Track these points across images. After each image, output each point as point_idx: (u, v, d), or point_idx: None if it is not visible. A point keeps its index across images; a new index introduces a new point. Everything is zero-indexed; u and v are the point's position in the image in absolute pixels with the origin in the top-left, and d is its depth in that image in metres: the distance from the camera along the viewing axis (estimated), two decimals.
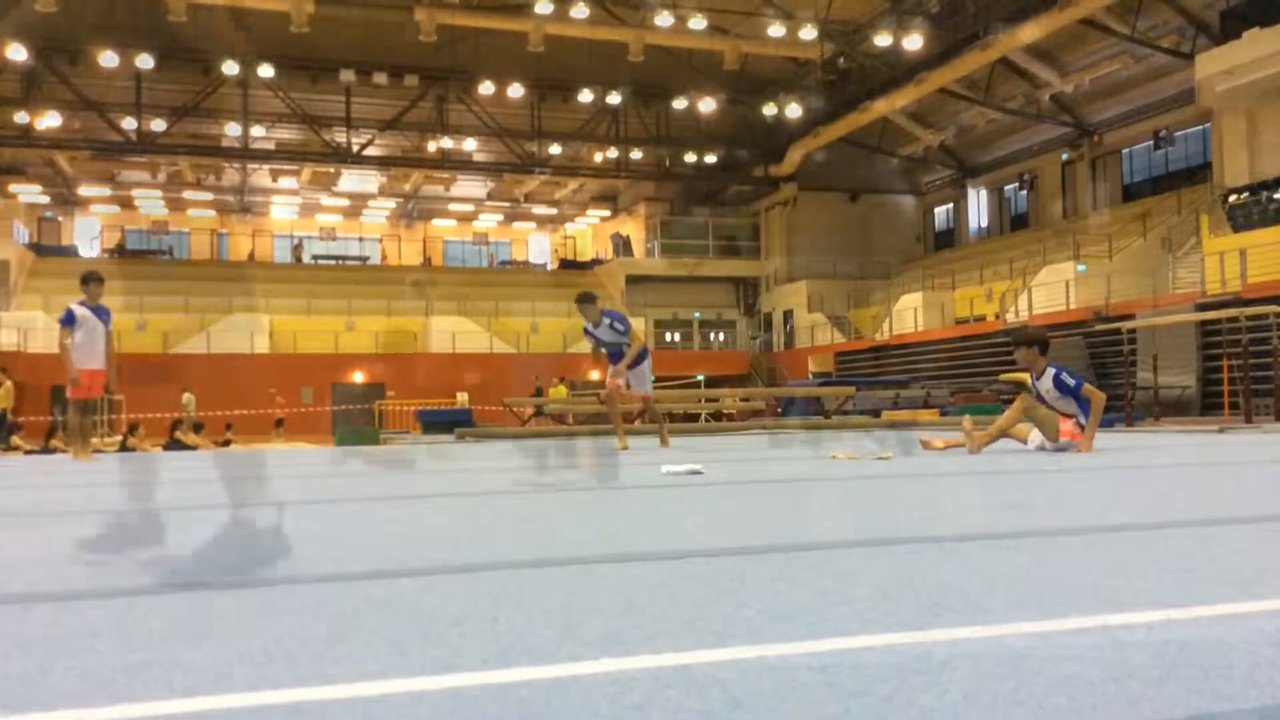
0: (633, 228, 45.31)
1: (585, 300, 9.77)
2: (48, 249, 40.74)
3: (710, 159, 40.95)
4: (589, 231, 50.09)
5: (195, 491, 5.45)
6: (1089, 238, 29.68)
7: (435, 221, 48.07)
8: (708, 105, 36.83)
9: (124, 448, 13.02)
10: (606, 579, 2.15)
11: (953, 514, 3.50)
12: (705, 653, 1.44)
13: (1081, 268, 27.67)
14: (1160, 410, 17.32)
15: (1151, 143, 31.85)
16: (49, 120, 36.10)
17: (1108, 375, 22.17)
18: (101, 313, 9.93)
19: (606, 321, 9.62)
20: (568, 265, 47.56)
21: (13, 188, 39.63)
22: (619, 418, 10.22)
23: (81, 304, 9.77)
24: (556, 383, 29.11)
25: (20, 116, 36.09)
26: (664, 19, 30.93)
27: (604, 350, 9.57)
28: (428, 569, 2.36)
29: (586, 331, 9.71)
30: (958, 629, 1.56)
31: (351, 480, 6.43)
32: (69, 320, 9.67)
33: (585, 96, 37.01)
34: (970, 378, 26.54)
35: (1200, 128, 30.22)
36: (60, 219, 43.69)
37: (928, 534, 2.82)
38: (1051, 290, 28.03)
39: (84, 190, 42.54)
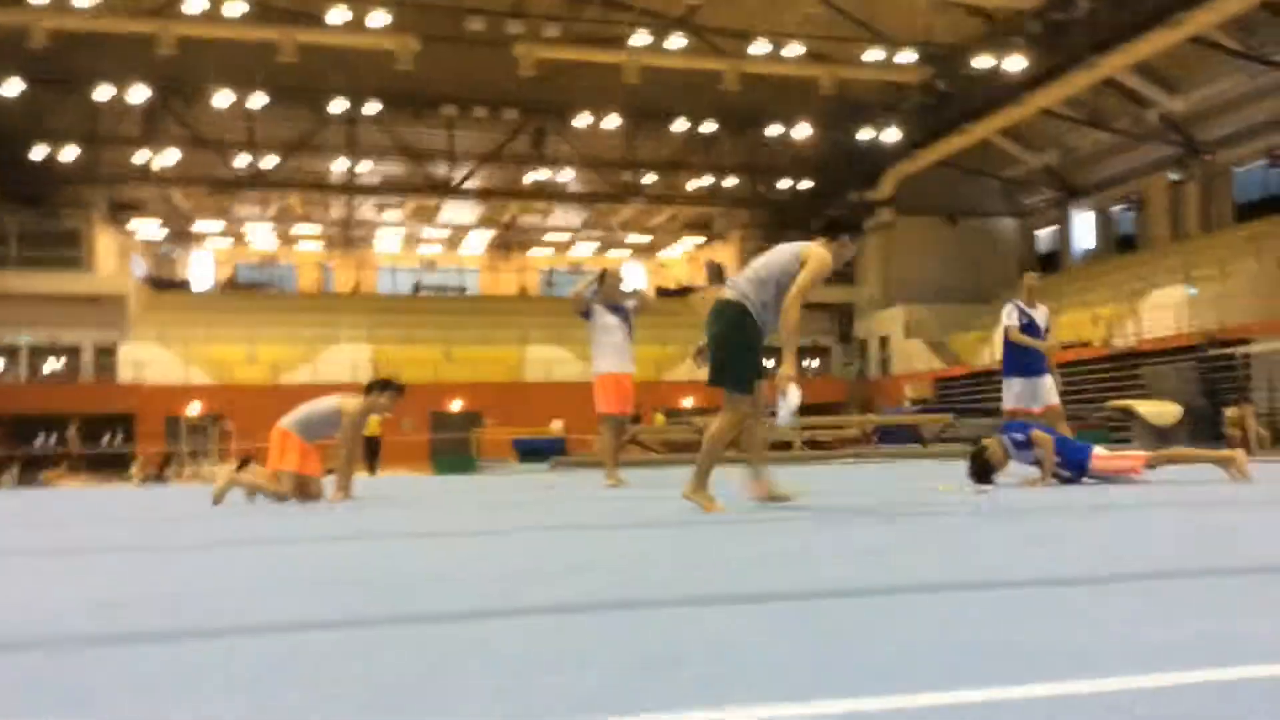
0: (727, 255, 45.26)
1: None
2: (164, 283, 42.43)
3: (805, 184, 40.80)
4: (683, 259, 50.23)
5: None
6: (1200, 259, 28.68)
7: (532, 251, 48.76)
8: (802, 131, 36.69)
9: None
10: (701, 622, 2.15)
11: (1070, 555, 3.41)
12: (794, 706, 1.43)
13: (1192, 291, 26.73)
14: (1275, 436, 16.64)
15: (1265, 161, 30.69)
16: (166, 158, 37.79)
17: (1221, 401, 21.34)
18: (620, 311, 9.27)
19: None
20: (662, 293, 47.68)
21: (132, 223, 41.44)
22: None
23: (603, 303, 9.28)
24: (652, 411, 29.16)
25: (140, 155, 37.89)
26: (759, 47, 30.93)
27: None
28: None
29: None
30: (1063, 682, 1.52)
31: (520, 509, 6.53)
32: (586, 315, 9.21)
33: (679, 125, 37.25)
34: (1077, 404, 25.80)
35: None
36: (176, 254, 45.50)
37: (1037, 576, 2.75)
38: (1161, 314, 27.14)
39: (199, 225, 44.27)
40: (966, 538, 3.87)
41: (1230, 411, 17.32)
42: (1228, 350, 20.97)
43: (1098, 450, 7.01)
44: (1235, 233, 30.53)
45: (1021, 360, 8.77)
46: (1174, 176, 33.82)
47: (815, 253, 5.24)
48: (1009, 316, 8.84)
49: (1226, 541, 3.59)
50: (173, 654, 1.94)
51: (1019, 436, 7.04)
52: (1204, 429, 18.31)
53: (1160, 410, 16.94)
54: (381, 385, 8.04)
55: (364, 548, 4.26)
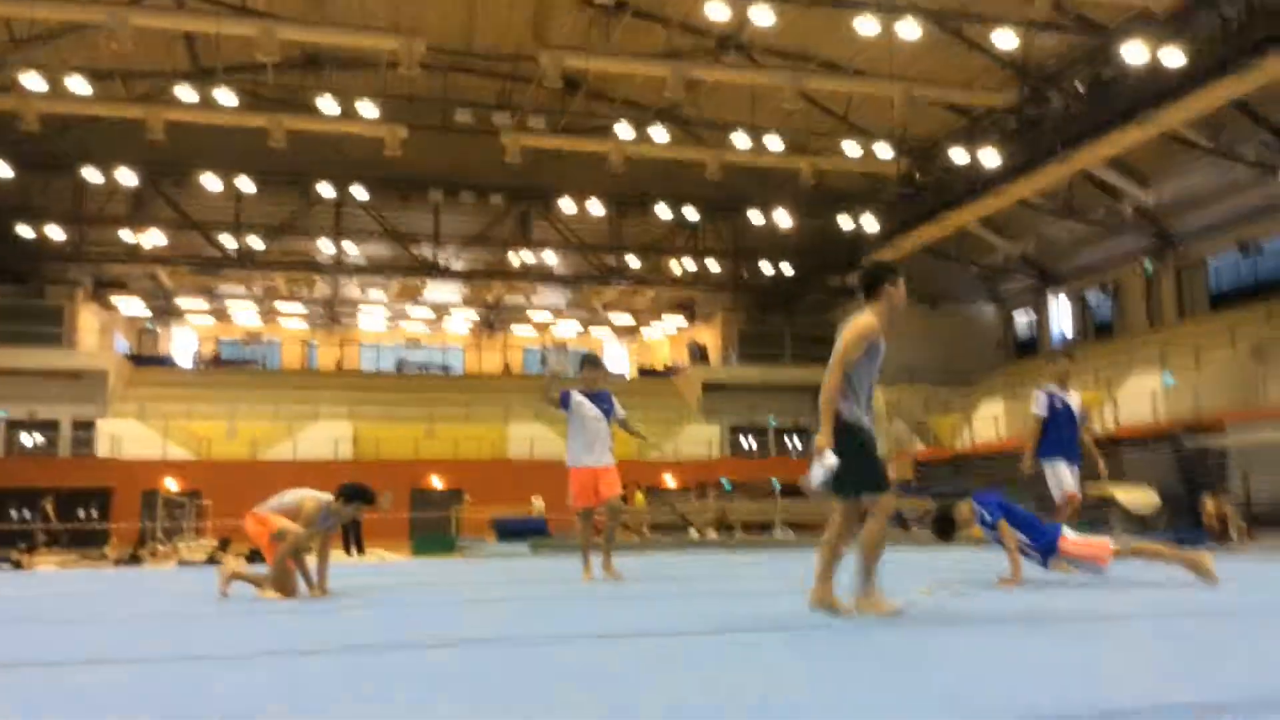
0: (709, 336, 45.66)
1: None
2: (145, 359, 42.39)
3: (786, 268, 41.38)
4: (666, 341, 50.59)
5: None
6: (1175, 348, 29.08)
7: (515, 329, 49.03)
8: (783, 218, 37.29)
9: (211, 560, 13.36)
10: None
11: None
12: None
13: (1169, 380, 27.06)
14: (1254, 523, 16.74)
15: (1238, 251, 31.33)
16: (153, 238, 38.07)
17: (1198, 490, 21.48)
18: (602, 399, 8.80)
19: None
20: (645, 374, 47.92)
21: (115, 300, 41.52)
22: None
23: (581, 391, 8.77)
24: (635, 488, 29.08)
25: (126, 234, 38.18)
26: (742, 139, 31.60)
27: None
28: None
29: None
30: None
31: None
32: (564, 404, 8.75)
33: (663, 210, 37.83)
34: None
35: None
36: (158, 330, 45.53)
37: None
38: (1138, 401, 27.40)
39: (182, 301, 44.39)
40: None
41: (1208, 503, 17.42)
42: (1205, 441, 21.16)
43: (1067, 533, 7.06)
44: (1211, 321, 31.02)
45: (1056, 438, 8.51)
46: (1149, 266, 34.42)
47: (848, 329, 5.25)
48: (1039, 405, 8.58)
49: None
50: None
51: (988, 517, 7.09)
52: (1182, 518, 18.42)
53: (1139, 498, 17.01)
54: (350, 495, 7.62)
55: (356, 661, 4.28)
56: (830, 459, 4.87)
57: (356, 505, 7.59)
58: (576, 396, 8.40)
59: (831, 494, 5.06)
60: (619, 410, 8.37)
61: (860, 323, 5.22)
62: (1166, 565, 6.89)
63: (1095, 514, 19.35)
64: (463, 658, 3.81)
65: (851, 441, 4.98)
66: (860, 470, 4.97)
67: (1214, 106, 25.63)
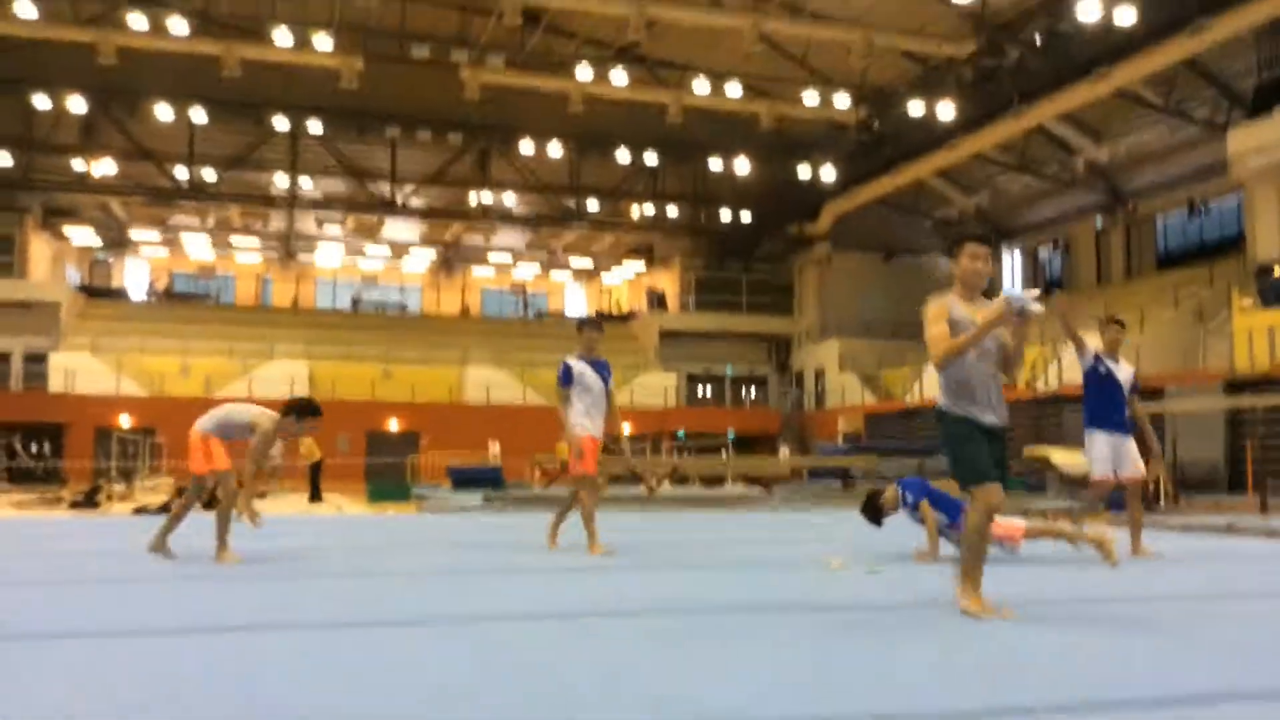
0: (668, 282, 45.83)
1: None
2: (98, 291, 41.83)
3: (745, 216, 41.57)
4: (625, 286, 50.69)
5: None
6: (1120, 306, 29.71)
7: (475, 270, 48.89)
8: (743, 165, 37.36)
9: (166, 509, 13.45)
10: None
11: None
12: None
13: None
14: (1182, 488, 17.36)
15: (1186, 211, 31.93)
16: (105, 167, 37.40)
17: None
18: (601, 368, 8.17)
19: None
20: (603, 318, 48.09)
21: (66, 230, 40.86)
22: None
23: (580, 357, 8.10)
24: None
25: (77, 162, 37.48)
26: (701, 84, 31.55)
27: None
28: None
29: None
30: None
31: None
32: (566, 379, 8.02)
33: (623, 154, 37.74)
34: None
35: (1235, 198, 30.25)
36: (111, 261, 44.88)
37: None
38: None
39: (135, 233, 43.74)
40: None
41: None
42: (1145, 405, 21.74)
43: None
44: (1157, 280, 31.70)
45: (1100, 408, 7.83)
46: (1100, 224, 35.02)
47: (929, 306, 4.88)
48: (1085, 357, 7.91)
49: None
50: None
51: (910, 498, 7.48)
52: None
53: (1076, 460, 17.49)
54: (299, 409, 7.52)
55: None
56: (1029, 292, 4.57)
57: (308, 420, 7.52)
58: (578, 367, 7.92)
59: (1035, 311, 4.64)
60: (611, 383, 8.07)
61: (933, 304, 4.86)
62: (1073, 544, 7.22)
63: (1034, 477, 19.98)
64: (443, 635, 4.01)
65: (944, 438, 4.79)
66: (953, 466, 4.78)
67: (1167, 64, 26.09)
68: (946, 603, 4.91)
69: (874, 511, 7.67)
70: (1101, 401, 7.79)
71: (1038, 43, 28.55)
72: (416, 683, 3.32)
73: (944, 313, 4.72)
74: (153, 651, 3.92)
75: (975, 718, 2.93)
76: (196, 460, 7.54)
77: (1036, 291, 4.57)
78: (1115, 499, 8.59)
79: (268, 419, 7.53)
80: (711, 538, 9.59)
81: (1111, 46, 25.99)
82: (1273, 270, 24.97)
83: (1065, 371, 28.42)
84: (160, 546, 7.67)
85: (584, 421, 7.89)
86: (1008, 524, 7.21)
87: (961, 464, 4.71)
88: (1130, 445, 7.78)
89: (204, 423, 7.64)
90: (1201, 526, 11.43)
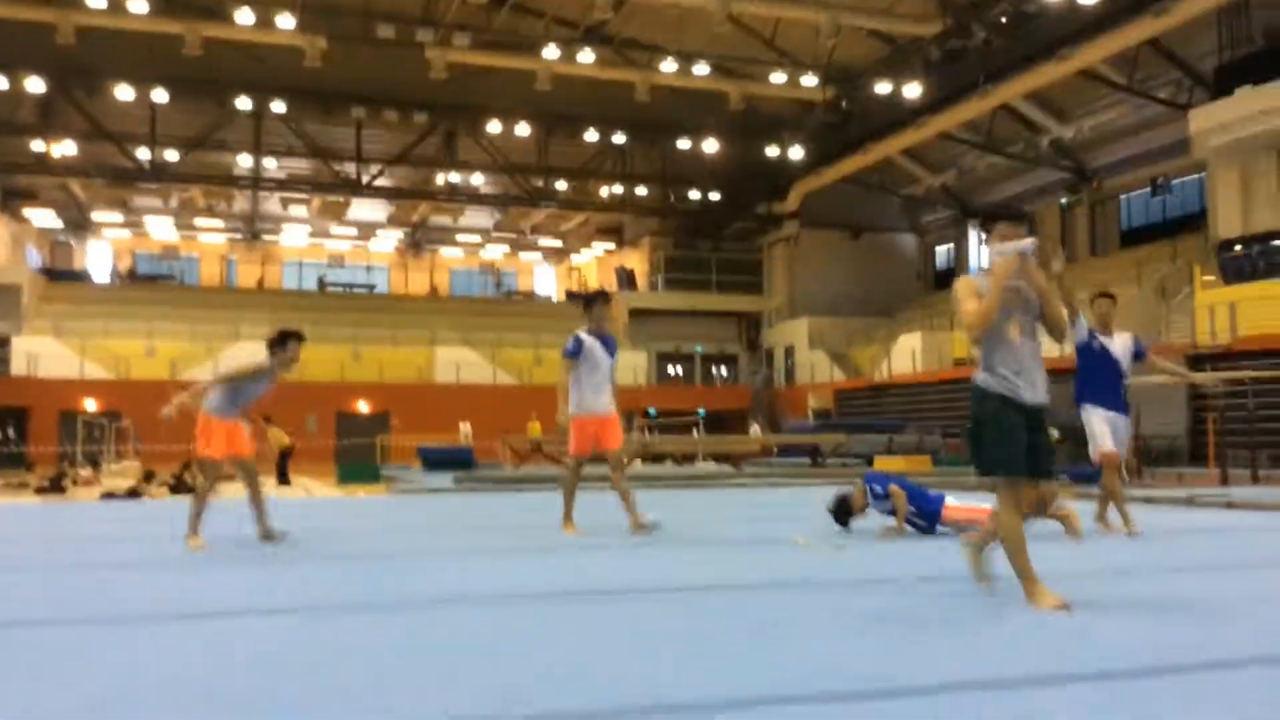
0: (637, 261, 45.84)
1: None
2: (60, 273, 41.27)
3: (714, 195, 41.58)
4: (594, 264, 50.64)
5: None
6: (1085, 282, 30.04)
7: (443, 251, 48.65)
8: (711, 145, 37.34)
9: (133, 493, 13.38)
10: None
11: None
12: None
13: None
14: (1145, 461, 17.64)
15: (1149, 190, 32.29)
16: (65, 148, 36.81)
17: None
18: (609, 344, 7.90)
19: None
20: (573, 297, 48.05)
21: (26, 212, 40.22)
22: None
23: (590, 332, 7.83)
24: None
25: (36, 144, 36.86)
26: (669, 64, 31.48)
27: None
28: None
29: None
30: None
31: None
32: (575, 351, 7.75)
33: (591, 134, 37.59)
34: (966, 422, 26.84)
35: (1197, 177, 30.62)
36: (73, 243, 44.28)
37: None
38: (1046, 336, 28.32)
39: (96, 215, 43.15)
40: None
41: None
42: None
43: (949, 501, 7.55)
44: (1121, 257, 32.06)
45: (1093, 385, 7.69)
46: (1065, 201, 35.36)
47: (958, 285, 4.59)
48: (1079, 331, 7.62)
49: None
50: None
51: (878, 489, 7.63)
52: (1082, 454, 19.21)
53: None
54: (281, 340, 7.17)
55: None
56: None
57: (292, 345, 7.17)
58: (588, 341, 7.66)
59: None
60: (615, 360, 7.89)
61: (962, 284, 4.56)
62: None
63: None
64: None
65: (974, 420, 4.50)
66: (977, 450, 4.49)
67: (1130, 44, 26.39)
68: (911, 579, 5.00)
69: (843, 513, 7.77)
70: (1095, 378, 7.66)
71: (1004, 22, 28.69)
72: (386, 668, 3.32)
73: (973, 290, 4.46)
74: (123, 642, 3.89)
75: (950, 690, 3.00)
76: (200, 442, 7.22)
77: (1033, 240, 4.42)
78: (1091, 474, 8.64)
79: (252, 362, 7.27)
80: (683, 517, 9.64)
81: (1076, 27, 26.22)
82: (1234, 246, 25.33)
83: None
84: (194, 533, 7.28)
85: (589, 402, 7.71)
86: (978, 509, 7.10)
87: (986, 449, 4.38)
88: (1124, 423, 7.72)
89: (210, 400, 7.25)
90: (1165, 499, 11.64)
